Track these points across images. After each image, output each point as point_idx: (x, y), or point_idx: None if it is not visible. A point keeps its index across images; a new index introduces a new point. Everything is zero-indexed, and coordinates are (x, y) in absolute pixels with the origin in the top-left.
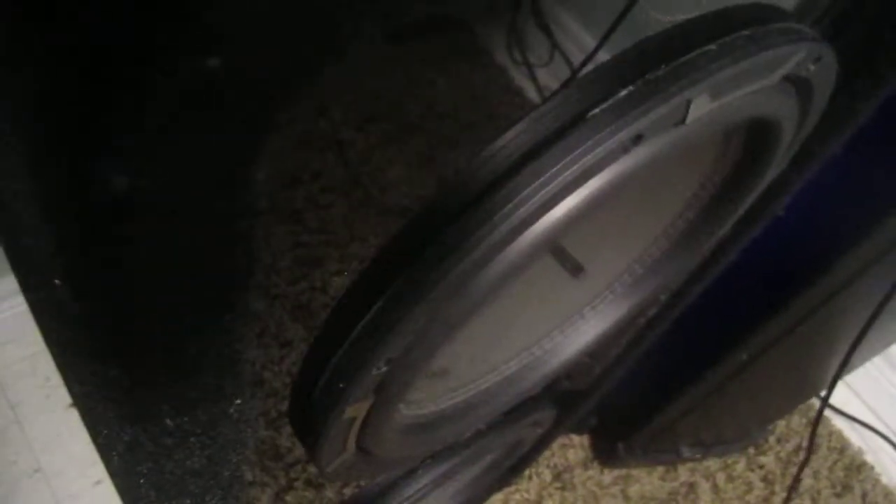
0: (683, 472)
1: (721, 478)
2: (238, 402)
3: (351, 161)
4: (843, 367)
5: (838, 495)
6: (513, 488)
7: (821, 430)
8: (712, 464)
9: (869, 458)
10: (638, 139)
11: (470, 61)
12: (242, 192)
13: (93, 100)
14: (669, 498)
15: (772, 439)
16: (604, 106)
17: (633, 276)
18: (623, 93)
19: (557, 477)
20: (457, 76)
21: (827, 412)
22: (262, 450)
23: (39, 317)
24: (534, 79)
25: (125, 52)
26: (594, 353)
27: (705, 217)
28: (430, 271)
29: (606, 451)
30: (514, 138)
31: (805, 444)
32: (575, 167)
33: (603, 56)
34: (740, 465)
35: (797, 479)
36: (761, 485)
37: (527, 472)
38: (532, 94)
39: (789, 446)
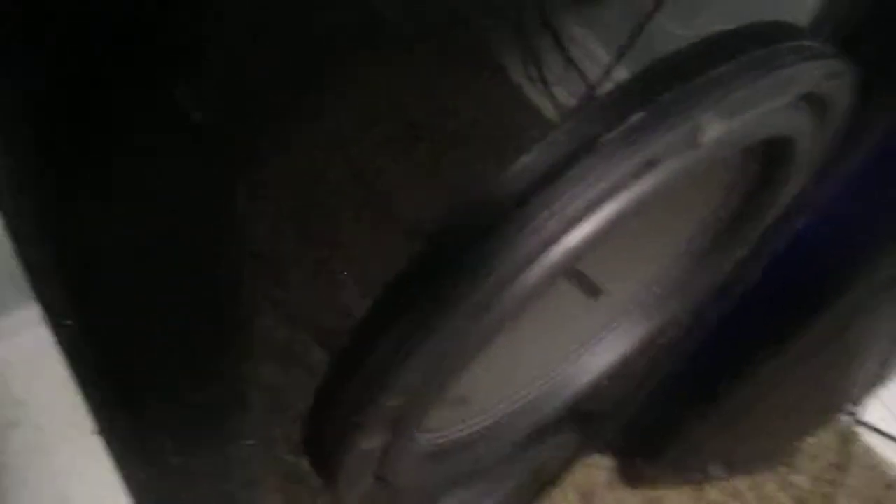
0: (712, 492)
1: (751, 497)
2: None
3: (363, 176)
4: (876, 382)
5: None
6: None
7: (854, 447)
8: (741, 483)
9: None
10: (651, 164)
11: (481, 74)
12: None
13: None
14: None
15: (802, 457)
16: (614, 133)
17: (653, 297)
18: (635, 118)
19: (584, 498)
20: (467, 89)
21: (860, 429)
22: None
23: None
24: (549, 94)
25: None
26: (616, 374)
27: (725, 235)
28: (443, 301)
29: (633, 472)
30: (525, 167)
31: (837, 460)
32: (587, 194)
33: (619, 71)
34: (771, 485)
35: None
36: None
37: (552, 495)
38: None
39: (820, 463)
